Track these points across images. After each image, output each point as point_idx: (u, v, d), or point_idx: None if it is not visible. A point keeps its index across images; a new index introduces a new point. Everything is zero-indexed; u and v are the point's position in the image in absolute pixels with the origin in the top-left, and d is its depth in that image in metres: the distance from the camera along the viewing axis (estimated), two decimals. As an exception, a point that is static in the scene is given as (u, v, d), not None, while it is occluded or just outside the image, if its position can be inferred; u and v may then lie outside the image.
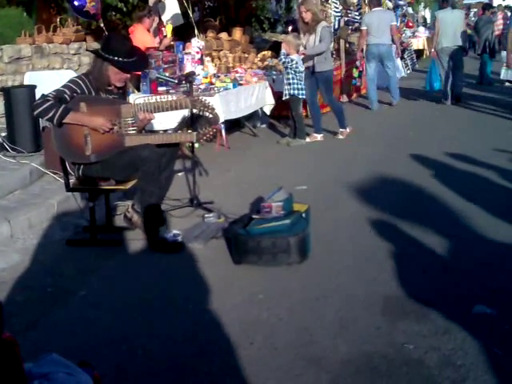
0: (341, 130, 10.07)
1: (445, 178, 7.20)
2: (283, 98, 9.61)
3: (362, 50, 13.39)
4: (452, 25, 13.13)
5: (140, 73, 8.60)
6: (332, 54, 13.34)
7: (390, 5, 17.72)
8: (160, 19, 11.44)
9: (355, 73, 14.57)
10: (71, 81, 5.24)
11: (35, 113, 5.03)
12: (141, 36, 9.86)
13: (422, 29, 24.56)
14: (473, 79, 16.86)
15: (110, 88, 5.32)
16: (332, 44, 13.37)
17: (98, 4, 10.12)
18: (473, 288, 4.34)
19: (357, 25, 14.78)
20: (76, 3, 9.78)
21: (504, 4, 27.82)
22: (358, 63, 14.35)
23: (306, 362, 3.45)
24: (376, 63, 13.16)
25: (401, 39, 18.01)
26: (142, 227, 5.42)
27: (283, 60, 9.22)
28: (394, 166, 7.94)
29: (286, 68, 9.25)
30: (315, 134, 9.85)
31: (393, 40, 13.40)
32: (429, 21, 29.26)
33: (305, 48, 9.55)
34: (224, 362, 3.47)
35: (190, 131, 5.49)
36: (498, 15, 20.13)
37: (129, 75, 5.46)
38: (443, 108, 12.85)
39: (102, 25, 10.41)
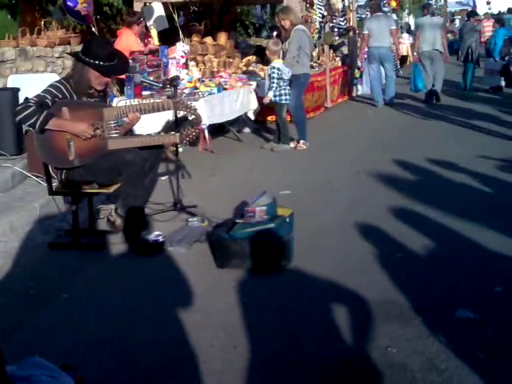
0: (300, 140, 9.69)
1: (428, 183, 7.24)
2: (263, 101, 9.64)
3: (364, 53, 14.53)
4: (431, 31, 14.19)
5: (124, 76, 8.57)
6: (317, 58, 13.48)
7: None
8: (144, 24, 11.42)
9: (357, 73, 15.54)
10: (52, 85, 5.20)
11: (17, 119, 4.99)
12: (127, 40, 9.83)
13: (405, 35, 24.64)
14: (456, 87, 16.95)
15: (91, 91, 5.29)
16: (316, 49, 13.49)
17: (91, 7, 10.07)
18: (456, 292, 4.35)
19: (341, 30, 15.00)
20: (69, 3, 9.74)
21: (490, 12, 28.07)
22: (359, 64, 15.49)
23: (290, 365, 3.45)
24: (378, 64, 14.18)
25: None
26: (124, 230, 5.40)
27: (269, 72, 9.27)
28: (378, 169, 7.96)
29: (269, 75, 9.25)
30: (301, 143, 9.64)
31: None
32: (413, 27, 29.39)
33: (284, 53, 9.54)
34: (208, 366, 3.45)
35: (173, 133, 5.47)
36: (483, 23, 20.30)
37: (109, 79, 5.44)
38: (427, 112, 12.92)
39: (93, 28, 10.37)
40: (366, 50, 14.65)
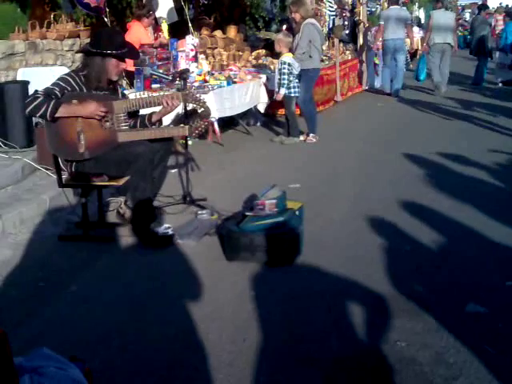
0: (310, 134, 9.70)
1: (437, 177, 7.22)
2: (273, 97, 9.65)
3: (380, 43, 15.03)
4: (444, 24, 14.57)
5: (133, 69, 8.57)
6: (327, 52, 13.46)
7: (385, 5, 17.82)
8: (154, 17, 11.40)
9: (376, 60, 16.09)
10: (61, 78, 5.20)
11: (27, 111, 4.98)
12: (137, 32, 9.81)
13: (416, 29, 24.49)
14: (468, 80, 16.88)
15: (100, 85, 5.30)
16: (326, 43, 13.44)
17: None
18: (466, 286, 4.34)
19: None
20: None
21: (501, 5, 27.90)
22: (376, 52, 15.87)
23: (298, 359, 3.44)
24: (391, 56, 14.62)
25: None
26: (132, 222, 5.40)
27: (279, 67, 9.25)
28: (387, 163, 7.95)
29: (280, 70, 9.23)
30: (311, 136, 9.65)
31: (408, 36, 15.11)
32: (423, 21, 29.24)
33: (294, 48, 9.52)
34: (216, 359, 3.45)
35: (182, 125, 5.47)
36: (495, 17, 20.23)
37: (125, 66, 5.45)
38: (437, 106, 12.86)
39: (106, 19, 10.36)
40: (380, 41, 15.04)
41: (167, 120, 8.17)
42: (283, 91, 9.24)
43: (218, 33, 12.50)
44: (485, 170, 7.48)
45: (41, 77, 7.89)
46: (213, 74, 9.91)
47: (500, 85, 16.32)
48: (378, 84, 16.38)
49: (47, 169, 6.70)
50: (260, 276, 4.58)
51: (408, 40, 15.48)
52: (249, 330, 3.76)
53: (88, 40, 10.32)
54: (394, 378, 3.25)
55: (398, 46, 14.51)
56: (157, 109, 5.47)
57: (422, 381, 3.21)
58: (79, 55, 8.70)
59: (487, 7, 20.78)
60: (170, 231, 5.42)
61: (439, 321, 3.82)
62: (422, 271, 4.61)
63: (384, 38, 14.58)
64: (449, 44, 14.69)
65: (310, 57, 9.53)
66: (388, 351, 3.49)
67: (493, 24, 20.36)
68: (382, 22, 14.62)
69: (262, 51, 12.69)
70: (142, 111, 5.57)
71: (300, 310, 4.05)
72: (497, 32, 20.11)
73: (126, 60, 5.53)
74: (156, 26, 11.26)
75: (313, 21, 9.76)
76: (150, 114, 5.48)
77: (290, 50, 9.46)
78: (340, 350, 3.52)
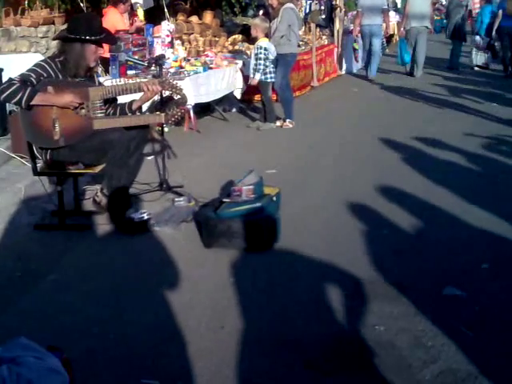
0: (286, 119, 9.68)
1: (414, 161, 7.25)
2: (248, 82, 9.65)
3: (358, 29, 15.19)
4: (420, 8, 14.92)
5: (108, 56, 8.49)
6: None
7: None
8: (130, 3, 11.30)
9: (356, 46, 16.52)
10: (37, 65, 5.15)
11: (2, 97, 4.92)
12: (112, 19, 9.74)
13: (392, 13, 24.54)
14: (443, 64, 16.96)
15: (78, 71, 5.24)
16: (302, 28, 13.42)
17: None
18: (443, 270, 4.37)
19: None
20: None
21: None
22: (356, 38, 16.17)
23: (279, 344, 3.45)
24: (368, 41, 14.84)
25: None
26: (108, 210, 5.38)
27: (255, 52, 9.21)
28: (364, 148, 7.98)
29: (256, 55, 9.19)
30: (287, 122, 9.63)
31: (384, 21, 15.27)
32: (399, 5, 29.27)
33: (272, 32, 9.50)
34: (196, 346, 3.45)
35: (158, 113, 5.44)
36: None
37: (102, 52, 5.42)
38: (413, 90, 12.91)
39: (82, 4, 10.26)
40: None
41: (143, 107, 8.12)
42: (258, 76, 9.21)
43: (194, 18, 12.44)
44: (461, 153, 7.53)
45: (15, 64, 7.81)
46: (189, 60, 9.85)
47: (476, 68, 16.43)
48: (355, 69, 16.45)
49: (22, 157, 6.64)
50: (239, 262, 4.58)
51: (384, 25, 15.55)
52: (228, 317, 3.76)
53: (63, 27, 10.24)
54: (373, 361, 3.27)
55: (374, 31, 14.71)
56: (135, 96, 5.43)
57: (400, 364, 3.23)
58: (55, 42, 8.62)
59: (462, -11, 20.85)
60: (145, 216, 5.39)
61: (417, 304, 3.85)
62: (400, 255, 4.64)
63: (361, 23, 14.78)
64: (425, 27, 15.10)
65: (289, 41, 9.52)
66: (367, 335, 3.51)
67: (469, 7, 20.45)
68: (359, 9, 14.90)
69: (239, 37, 12.64)
70: (122, 99, 5.53)
71: (279, 295, 4.05)
72: (473, 15, 20.20)
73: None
74: (131, 12, 11.17)
75: (292, 5, 9.76)
76: (131, 102, 5.45)
77: (267, 36, 9.43)
78: (320, 335, 3.53)
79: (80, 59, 5.17)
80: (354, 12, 17.18)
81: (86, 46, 5.16)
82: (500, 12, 15.44)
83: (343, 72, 16.03)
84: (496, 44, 16.34)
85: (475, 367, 3.18)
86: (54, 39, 8.42)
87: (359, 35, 15.40)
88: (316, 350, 3.39)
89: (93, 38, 5.13)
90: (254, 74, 9.26)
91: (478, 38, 16.48)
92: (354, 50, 16.51)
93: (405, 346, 3.39)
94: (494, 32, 15.86)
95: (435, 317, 3.68)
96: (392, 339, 3.47)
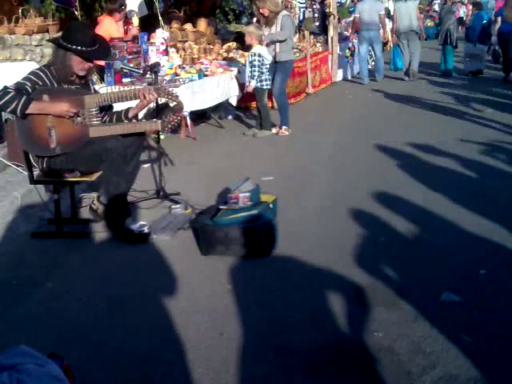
0: (282, 126, 9.63)
1: (410, 167, 7.25)
2: (244, 90, 9.67)
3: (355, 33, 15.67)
4: (406, 13, 15.42)
5: (104, 63, 8.50)
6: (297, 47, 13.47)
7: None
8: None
9: (348, 53, 16.61)
10: (32, 73, 5.15)
11: None
12: (107, 26, 9.73)
13: (386, 20, 24.63)
14: (436, 70, 16.99)
15: (72, 79, 5.25)
16: (296, 35, 13.46)
17: None
18: (441, 276, 4.37)
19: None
20: None
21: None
22: (350, 45, 16.46)
23: (277, 351, 3.45)
24: (367, 46, 15.36)
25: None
26: (106, 218, 5.37)
27: (250, 59, 9.23)
28: (360, 155, 7.99)
29: (251, 62, 9.20)
30: (283, 129, 9.59)
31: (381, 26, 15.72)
32: (392, 12, 29.43)
33: (263, 40, 9.51)
34: (194, 353, 3.45)
35: (154, 120, 5.44)
36: (467, 6, 20.51)
37: (92, 64, 5.39)
38: (408, 96, 12.94)
39: (76, 12, 10.26)
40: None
41: (139, 114, 8.13)
42: (254, 83, 9.23)
43: (189, 26, 12.46)
44: (457, 159, 7.53)
45: (9, 72, 7.81)
46: (184, 68, 9.86)
47: (469, 75, 16.47)
48: (350, 76, 16.51)
49: (18, 165, 6.63)
50: (236, 269, 4.58)
51: (382, 30, 15.80)
52: (227, 324, 3.76)
53: (57, 35, 10.23)
54: (372, 368, 3.27)
55: (373, 36, 15.13)
56: (131, 103, 5.43)
57: (400, 370, 3.23)
58: (49, 50, 8.61)
59: (453, -4, 20.93)
60: (145, 229, 5.37)
61: (415, 310, 3.85)
62: (398, 261, 4.64)
63: (359, 28, 15.13)
64: (413, 31, 15.49)
65: (288, 47, 9.56)
66: (366, 341, 3.51)
67: (461, 14, 20.59)
68: (356, 15, 15.23)
69: (233, 44, 12.65)
70: (118, 107, 5.52)
71: (277, 301, 4.05)
72: (465, 22, 20.33)
73: None
74: (126, 20, 11.18)
75: (287, 12, 9.81)
76: (127, 110, 5.44)
77: (260, 43, 9.44)
78: (318, 341, 3.53)
79: (64, 66, 5.15)
80: (348, 19, 17.29)
81: (69, 54, 5.13)
82: (499, 18, 15.52)
83: (338, 79, 16.05)
84: (497, 48, 16.90)
85: (475, 373, 3.18)
86: (47, 41, 8.45)
87: (355, 40, 15.67)
88: (315, 356, 3.39)
89: (79, 48, 5.10)
90: (249, 81, 9.28)
91: (470, 44, 16.51)
92: (349, 56, 16.52)
93: (404, 352, 3.39)
94: (493, 37, 16.03)
95: (434, 323, 3.68)
96: (391, 345, 3.47)
